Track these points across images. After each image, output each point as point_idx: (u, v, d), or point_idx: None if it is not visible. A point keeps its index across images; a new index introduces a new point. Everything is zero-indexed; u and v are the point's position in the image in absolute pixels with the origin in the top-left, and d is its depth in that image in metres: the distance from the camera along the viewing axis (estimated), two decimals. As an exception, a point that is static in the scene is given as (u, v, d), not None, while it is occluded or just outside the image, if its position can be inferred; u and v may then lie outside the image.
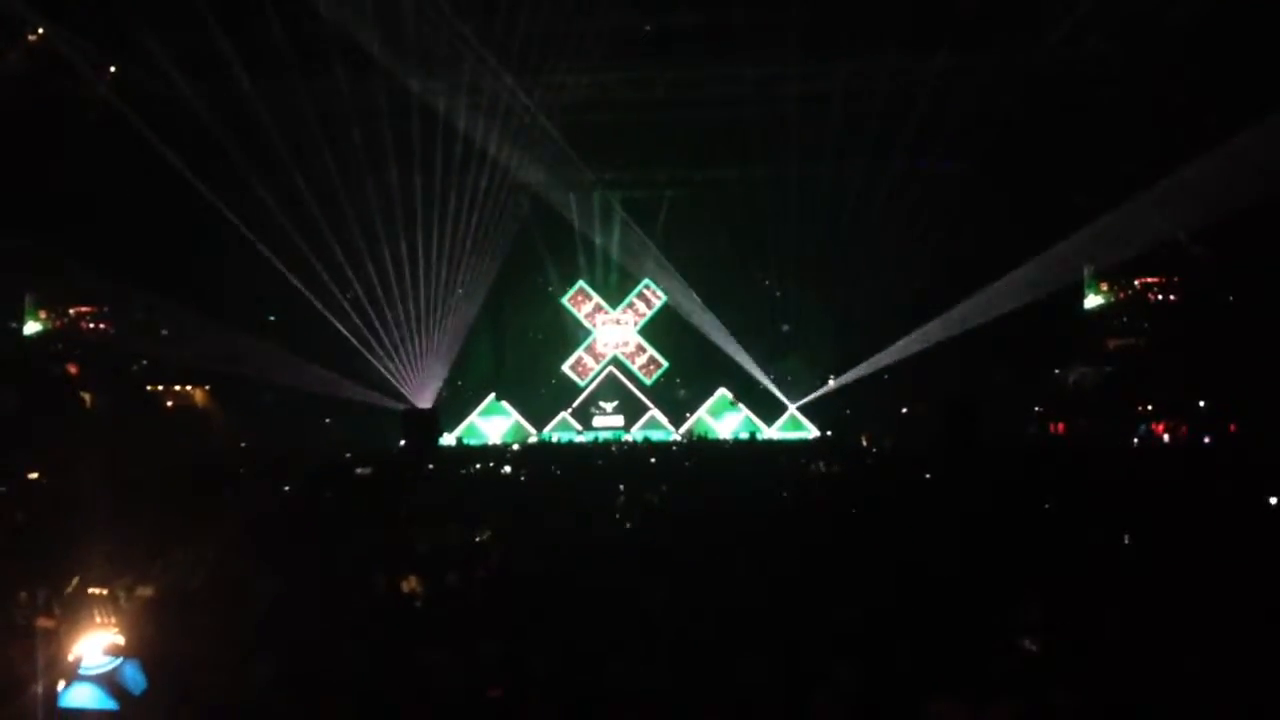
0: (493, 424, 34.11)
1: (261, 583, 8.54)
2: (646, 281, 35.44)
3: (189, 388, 32.69)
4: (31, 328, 30.43)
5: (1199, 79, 22.56)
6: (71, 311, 31.10)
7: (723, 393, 34.16)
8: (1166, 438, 26.91)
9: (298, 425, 29.84)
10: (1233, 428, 25.82)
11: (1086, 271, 31.05)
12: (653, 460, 22.32)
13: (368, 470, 18.88)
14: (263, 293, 28.80)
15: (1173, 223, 26.53)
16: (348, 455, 23.17)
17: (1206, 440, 25.55)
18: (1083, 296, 31.17)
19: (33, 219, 23.20)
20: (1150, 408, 28.17)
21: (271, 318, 30.62)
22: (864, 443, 28.62)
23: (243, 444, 29.12)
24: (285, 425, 29.45)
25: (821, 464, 19.87)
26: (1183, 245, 28.48)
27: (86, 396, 29.76)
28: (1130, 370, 29.31)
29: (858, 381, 32.09)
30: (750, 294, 34.31)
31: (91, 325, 31.25)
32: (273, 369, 28.90)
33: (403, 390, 30.78)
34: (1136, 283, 30.94)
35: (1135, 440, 26.41)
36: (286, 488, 15.64)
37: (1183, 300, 30.16)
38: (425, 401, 30.92)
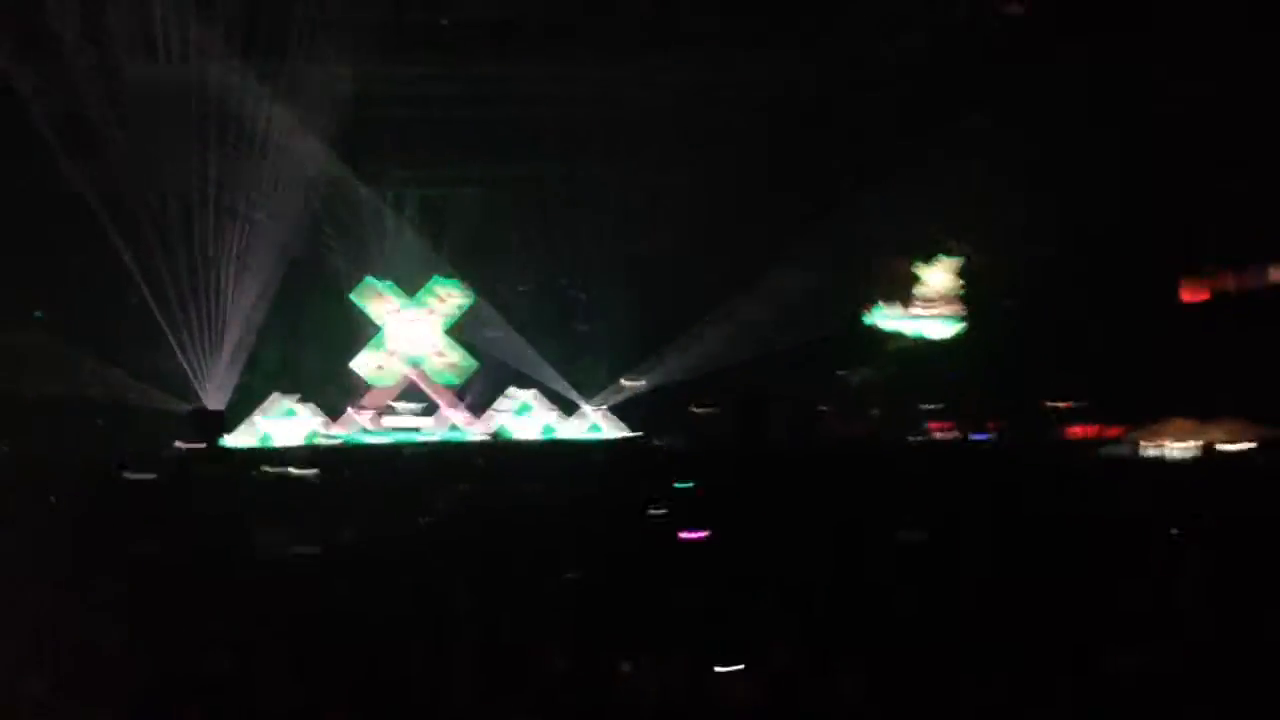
0: (285, 425, 32.84)
1: (38, 600, 8.00)
2: (436, 279, 34.82)
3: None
4: None
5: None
6: None
7: (523, 394, 33.98)
8: (939, 435, 28.38)
9: (63, 427, 27.91)
10: (991, 426, 27.52)
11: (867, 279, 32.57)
12: (450, 460, 22.08)
13: (144, 475, 17.91)
14: (29, 283, 27.00)
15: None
16: (121, 462, 21.82)
17: (976, 437, 27.09)
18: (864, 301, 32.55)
19: None
20: (928, 407, 29.62)
21: (38, 313, 28.68)
22: (655, 442, 29.09)
23: (3, 448, 27.11)
24: (48, 427, 27.50)
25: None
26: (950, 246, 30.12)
27: None
28: (909, 373, 30.74)
29: (655, 380, 32.56)
30: (549, 294, 34.33)
31: None
32: (38, 365, 27.08)
33: (190, 389, 29.33)
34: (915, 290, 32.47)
35: (914, 438, 27.76)
36: (52, 498, 14.69)
37: (958, 307, 31.85)
38: (215, 402, 29.55)
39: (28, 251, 25.80)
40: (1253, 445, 21.09)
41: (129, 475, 18.08)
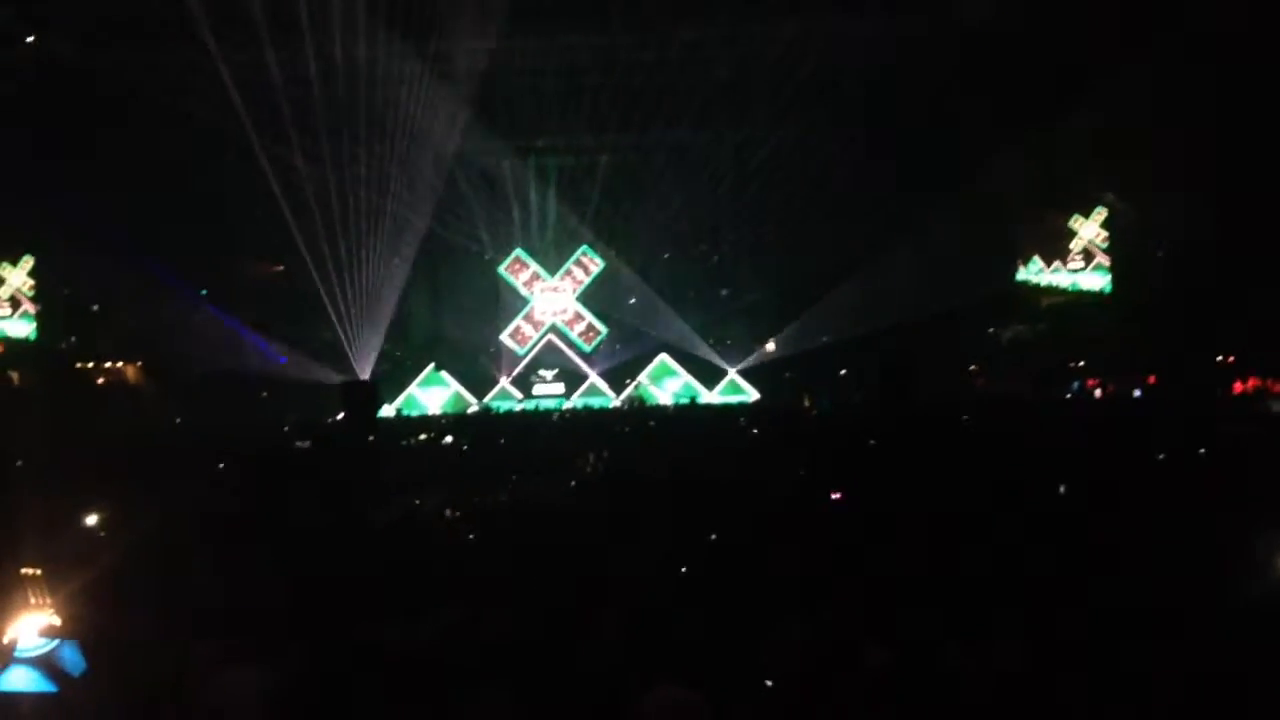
0: (432, 394, 33.83)
1: (200, 560, 8.41)
2: (584, 248, 35.27)
3: (120, 364, 32.06)
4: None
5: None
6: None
7: (662, 359, 34.17)
8: (1099, 393, 27.42)
9: (234, 400, 29.35)
10: (1152, 379, 26.41)
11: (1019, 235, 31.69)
12: (595, 426, 22.32)
13: (307, 444, 18.65)
14: (196, 265, 28.36)
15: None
16: (285, 429, 22.86)
17: (1136, 394, 26.08)
18: (1015, 257, 31.68)
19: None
20: (1082, 364, 28.67)
21: (204, 291, 30.13)
22: (805, 404, 28.82)
23: (177, 420, 28.63)
24: (221, 400, 28.95)
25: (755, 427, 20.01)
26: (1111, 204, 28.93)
27: (14, 375, 29.12)
28: (1062, 329, 29.80)
29: (797, 344, 32.37)
30: (689, 258, 34.41)
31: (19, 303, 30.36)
32: (207, 342, 28.50)
33: (340, 361, 30.43)
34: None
35: (1069, 395, 26.89)
36: (222, 464, 15.41)
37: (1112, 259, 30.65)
38: (363, 373, 30.59)
39: (194, 233, 27.07)
40: None
41: (299, 444, 18.84)
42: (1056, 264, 31.97)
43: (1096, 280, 31.36)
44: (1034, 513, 8.65)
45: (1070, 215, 31.67)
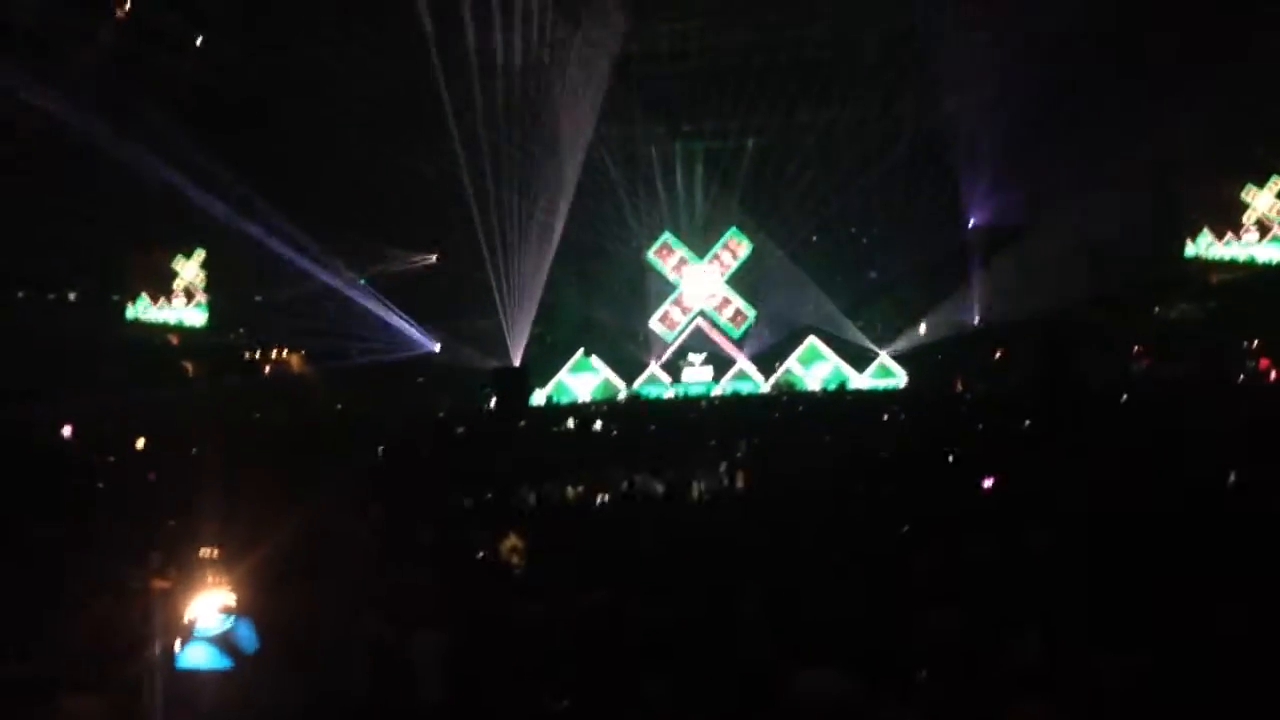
0: (582, 380, 34.25)
1: (366, 542, 8.74)
2: (732, 231, 35.14)
3: (285, 353, 33.40)
4: (135, 301, 31.15)
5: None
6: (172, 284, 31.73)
7: (811, 342, 33.81)
8: (1274, 374, 25.98)
9: (392, 387, 30.30)
10: None
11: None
12: (743, 414, 22.27)
13: (463, 429, 19.14)
14: (355, 255, 29.40)
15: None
16: (441, 415, 23.49)
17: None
18: (1183, 233, 30.22)
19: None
20: (1255, 344, 27.22)
21: (363, 280, 31.15)
22: (958, 388, 28.17)
23: (339, 406, 29.71)
24: (379, 387, 29.91)
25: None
26: None
27: (188, 365, 30.62)
28: (1235, 305, 28.35)
29: (948, 326, 31.64)
30: (838, 240, 33.95)
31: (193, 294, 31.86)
32: (365, 330, 29.54)
33: (493, 348, 31.08)
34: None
35: (1241, 377, 25.54)
36: (381, 448, 15.92)
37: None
38: (516, 359, 31.18)
39: (354, 223, 28.02)
40: None
41: (456, 430, 19.34)
42: (1229, 236, 30.35)
43: (1273, 253, 29.67)
44: (1197, 509, 8.25)
45: (1243, 185, 30.02)
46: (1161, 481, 9.71)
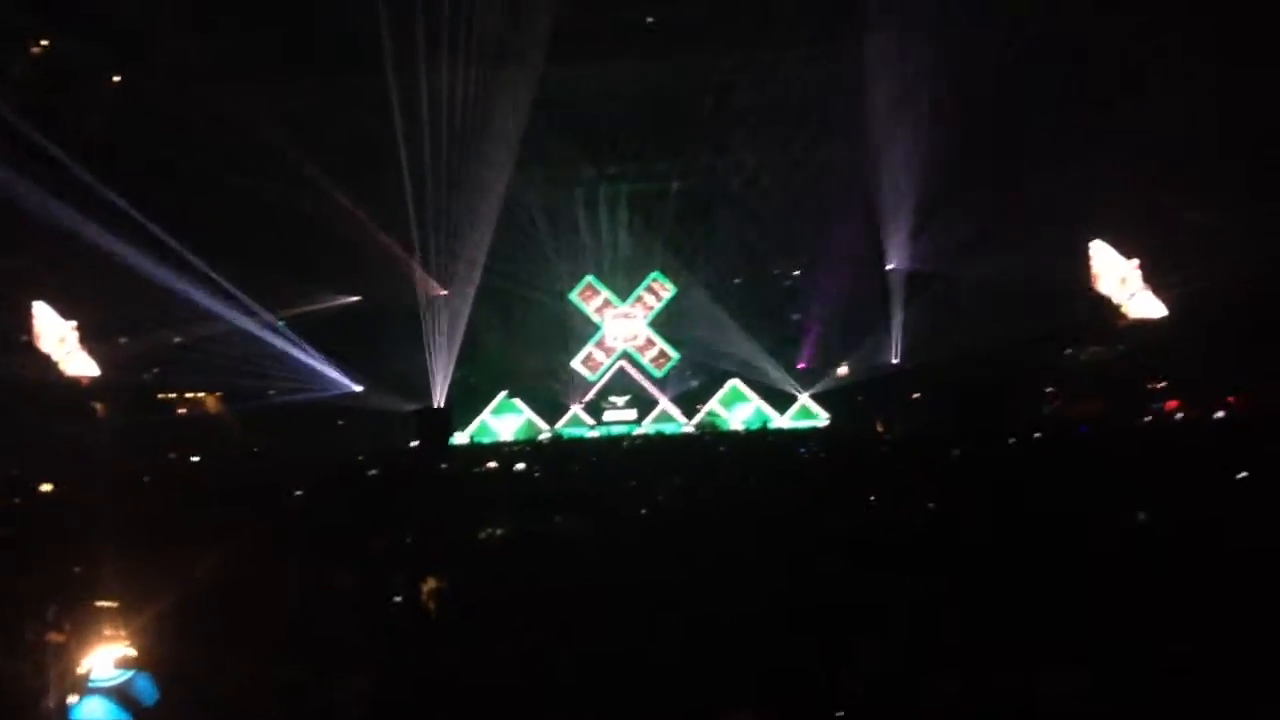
0: (504, 422, 34.04)
1: (274, 591, 8.48)
2: (656, 274, 35.30)
3: (200, 395, 32.70)
4: (41, 340, 30.31)
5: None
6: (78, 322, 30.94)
7: (734, 384, 34.01)
8: (1180, 415, 26.66)
9: (310, 428, 29.79)
10: (1232, 401, 25.63)
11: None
12: (665, 452, 22.26)
13: (379, 472, 18.83)
14: (273, 295, 28.99)
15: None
16: (360, 458, 23.11)
17: (1218, 415, 25.31)
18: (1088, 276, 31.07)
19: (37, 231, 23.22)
20: (1163, 385, 27.95)
21: (281, 321, 30.68)
22: (878, 429, 28.48)
23: (255, 449, 29.12)
24: (297, 429, 29.39)
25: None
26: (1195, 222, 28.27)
27: (98, 406, 29.81)
28: (1140, 350, 29.13)
29: (870, 369, 32.08)
30: (761, 282, 34.32)
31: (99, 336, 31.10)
32: (283, 371, 29.04)
33: (415, 390, 30.78)
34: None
35: (1149, 418, 26.20)
36: (299, 492, 15.58)
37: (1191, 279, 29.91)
38: (437, 401, 30.91)
39: (271, 263, 27.63)
40: None
41: (372, 473, 19.02)
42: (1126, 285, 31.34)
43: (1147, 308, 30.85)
44: (1115, 541, 8.40)
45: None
46: (1073, 519, 9.86)
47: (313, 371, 29.96)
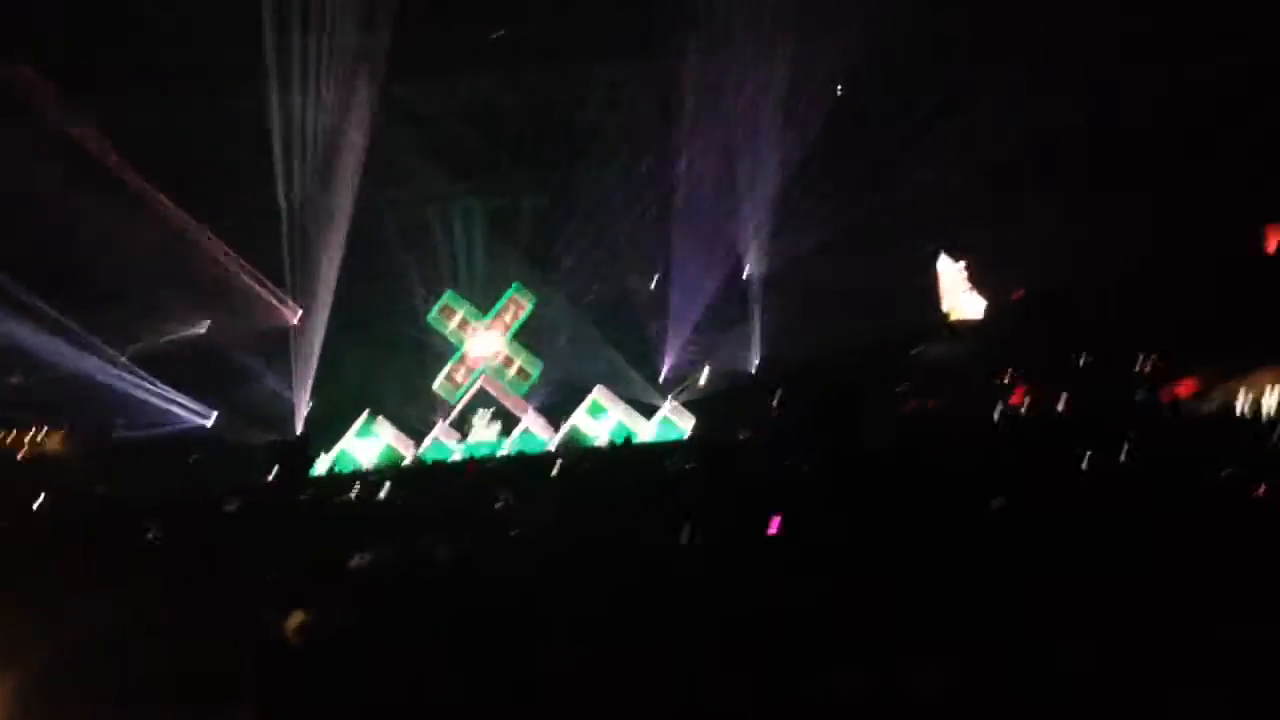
0: (366, 446, 33.29)
1: (131, 639, 8.18)
2: (515, 287, 35.06)
3: (42, 433, 31.20)
4: None
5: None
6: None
7: (596, 396, 34.01)
8: (1020, 406, 27.81)
9: (160, 465, 28.67)
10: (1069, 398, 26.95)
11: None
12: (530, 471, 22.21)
13: (236, 507, 18.28)
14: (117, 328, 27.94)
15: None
16: (215, 494, 22.35)
17: (1060, 408, 26.52)
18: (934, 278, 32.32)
19: None
20: (1005, 380, 29.10)
21: (125, 356, 29.55)
22: (741, 436, 28.88)
23: (98, 489, 27.86)
24: (146, 466, 28.24)
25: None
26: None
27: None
28: (983, 347, 30.31)
29: (731, 376, 32.58)
30: (621, 293, 34.48)
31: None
32: (131, 405, 27.97)
33: (271, 419, 29.99)
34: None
35: (997, 414, 27.25)
36: (151, 534, 15.04)
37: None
38: (296, 428, 30.15)
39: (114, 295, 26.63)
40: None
41: (228, 509, 18.45)
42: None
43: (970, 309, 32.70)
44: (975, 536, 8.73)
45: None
46: (937, 512, 10.22)
47: (161, 405, 28.88)
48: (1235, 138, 25.15)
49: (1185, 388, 24.92)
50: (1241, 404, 21.97)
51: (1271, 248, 26.55)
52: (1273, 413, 20.87)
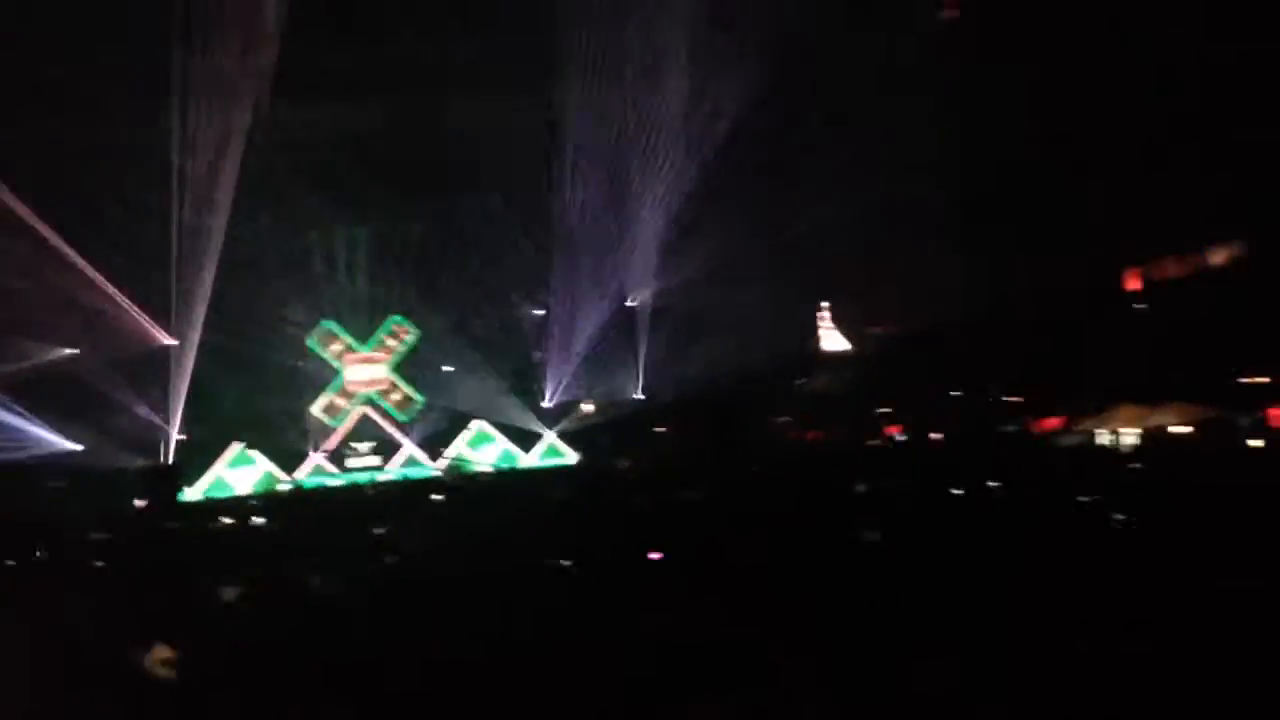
0: (241, 475, 32.51)
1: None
2: (397, 317, 34.75)
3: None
4: None
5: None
6: None
7: (479, 427, 33.87)
8: (896, 437, 28.62)
9: (20, 492, 27.48)
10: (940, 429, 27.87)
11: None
12: (411, 497, 21.96)
13: (104, 536, 17.68)
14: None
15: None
16: (81, 522, 21.56)
17: (933, 436, 27.36)
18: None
19: None
20: (885, 411, 29.90)
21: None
22: (623, 464, 29.02)
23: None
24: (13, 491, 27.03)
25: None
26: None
27: None
28: (863, 378, 31.11)
29: (614, 404, 32.74)
30: (503, 323, 34.41)
31: None
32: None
33: (141, 446, 29.07)
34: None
35: (878, 441, 27.98)
36: (10, 561, 14.46)
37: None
38: (165, 457, 29.28)
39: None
40: (1197, 425, 21.56)
41: (95, 537, 17.84)
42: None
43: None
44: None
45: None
46: (816, 536, 10.48)
47: (28, 431, 27.76)
48: (1097, 182, 26.34)
49: (1049, 421, 25.97)
50: (1101, 437, 22.96)
51: (1130, 287, 27.85)
52: (1128, 445, 21.87)
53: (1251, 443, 19.52)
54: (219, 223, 28.23)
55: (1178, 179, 24.35)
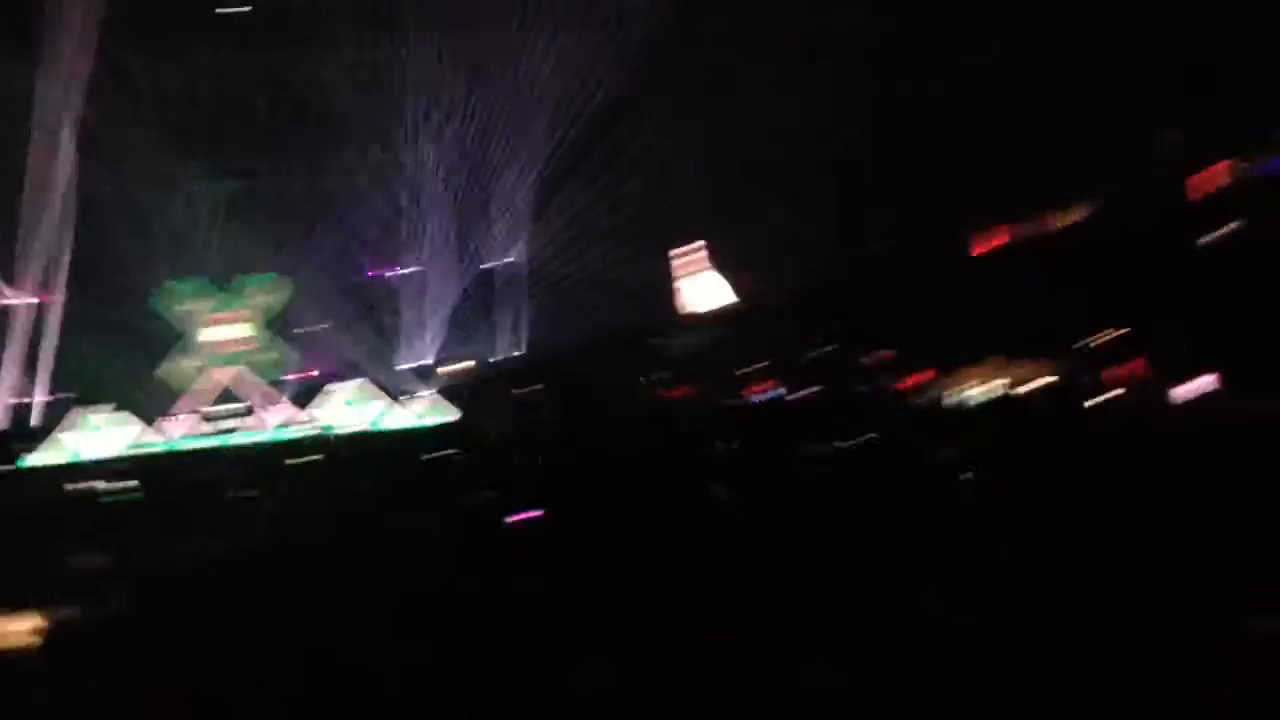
0: (94, 438, 31.13)
1: None
2: (251, 278, 33.61)
3: None
4: None
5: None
6: None
7: (359, 384, 33.16)
8: (759, 396, 29.01)
9: None
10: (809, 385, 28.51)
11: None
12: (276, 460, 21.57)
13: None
14: None
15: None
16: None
17: (800, 394, 27.86)
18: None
19: None
20: (747, 371, 30.28)
21: None
22: (489, 425, 28.95)
23: None
24: None
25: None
26: None
27: None
28: (721, 339, 31.46)
29: (484, 364, 32.61)
30: (375, 282, 33.82)
31: None
32: None
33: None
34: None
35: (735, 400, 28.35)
36: None
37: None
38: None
39: None
40: (1045, 383, 22.50)
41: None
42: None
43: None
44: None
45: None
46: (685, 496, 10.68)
47: None
48: (953, 152, 27.10)
49: (910, 380, 26.78)
50: (958, 395, 23.78)
51: (978, 251, 28.83)
52: (983, 404, 22.71)
53: (1089, 401, 20.42)
54: (71, 179, 26.99)
55: (1032, 146, 25.26)
